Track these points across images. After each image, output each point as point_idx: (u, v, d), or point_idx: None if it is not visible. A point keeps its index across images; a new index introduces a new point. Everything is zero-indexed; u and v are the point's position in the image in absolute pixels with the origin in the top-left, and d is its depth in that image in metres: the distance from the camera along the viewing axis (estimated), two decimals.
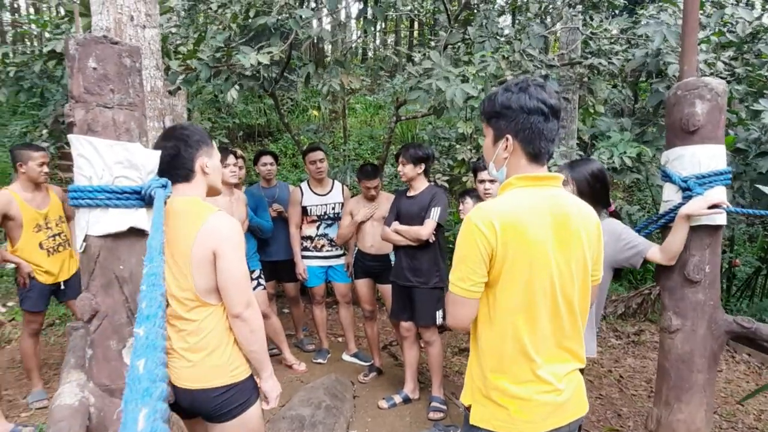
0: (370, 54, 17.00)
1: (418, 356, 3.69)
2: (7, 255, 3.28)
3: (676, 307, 2.13)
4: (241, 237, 1.74)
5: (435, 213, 3.34)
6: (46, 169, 3.41)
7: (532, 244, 1.37)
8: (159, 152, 1.56)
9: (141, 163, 1.47)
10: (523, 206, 1.40)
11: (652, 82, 3.75)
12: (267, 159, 4.40)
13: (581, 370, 1.55)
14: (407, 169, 3.43)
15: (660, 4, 4.12)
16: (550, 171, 1.53)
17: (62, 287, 3.57)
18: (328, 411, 3.24)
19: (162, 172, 1.61)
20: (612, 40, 4.56)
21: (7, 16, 19.09)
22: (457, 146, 5.07)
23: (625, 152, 3.30)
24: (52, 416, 1.35)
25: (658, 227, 2.22)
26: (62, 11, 3.85)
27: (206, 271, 1.67)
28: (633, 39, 4.47)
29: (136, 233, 1.48)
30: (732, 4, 3.95)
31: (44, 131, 7.78)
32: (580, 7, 5.17)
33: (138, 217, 1.46)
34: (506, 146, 1.45)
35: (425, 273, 3.39)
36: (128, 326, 1.49)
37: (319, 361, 4.35)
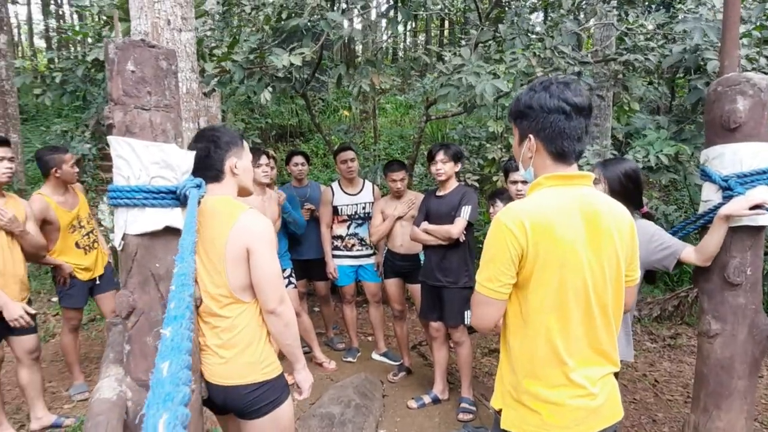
0: (400, 54, 17.02)
1: (448, 356, 3.67)
2: (48, 259, 3.40)
3: (715, 310, 2.06)
4: (272, 234, 1.78)
5: (466, 212, 3.32)
6: (77, 169, 3.52)
7: (563, 244, 1.35)
8: (193, 153, 1.60)
9: (176, 163, 1.51)
10: (553, 206, 1.37)
11: (690, 78, 3.63)
12: (298, 159, 4.46)
13: (615, 374, 1.52)
14: (448, 167, 3.39)
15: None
16: (581, 170, 1.50)
17: (97, 282, 3.69)
18: (358, 410, 3.26)
19: (193, 172, 1.65)
20: (648, 36, 4.44)
21: (52, 23, 19.87)
22: (488, 145, 5.03)
23: (661, 151, 3.21)
24: (91, 410, 1.40)
25: (697, 228, 2.16)
26: (103, 18, 3.99)
27: (240, 269, 1.71)
28: (670, 35, 4.34)
29: (171, 232, 1.52)
30: None
31: (86, 132, 8.08)
32: (614, 3, 5.05)
33: (173, 217, 1.50)
34: (530, 146, 1.44)
35: (455, 272, 3.37)
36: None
37: (349, 359, 4.38)
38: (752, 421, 2.11)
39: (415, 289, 3.91)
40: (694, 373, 2.20)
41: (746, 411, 2.04)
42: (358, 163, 4.30)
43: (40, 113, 11.31)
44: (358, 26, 3.80)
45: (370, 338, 4.85)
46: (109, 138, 1.47)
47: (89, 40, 4.43)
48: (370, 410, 3.36)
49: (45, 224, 3.31)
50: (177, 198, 1.50)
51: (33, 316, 2.94)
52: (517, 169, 2.86)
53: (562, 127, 1.38)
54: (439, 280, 3.42)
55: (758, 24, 3.50)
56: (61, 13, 20.52)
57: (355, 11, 4.08)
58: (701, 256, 2.03)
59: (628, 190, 2.16)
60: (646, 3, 5.29)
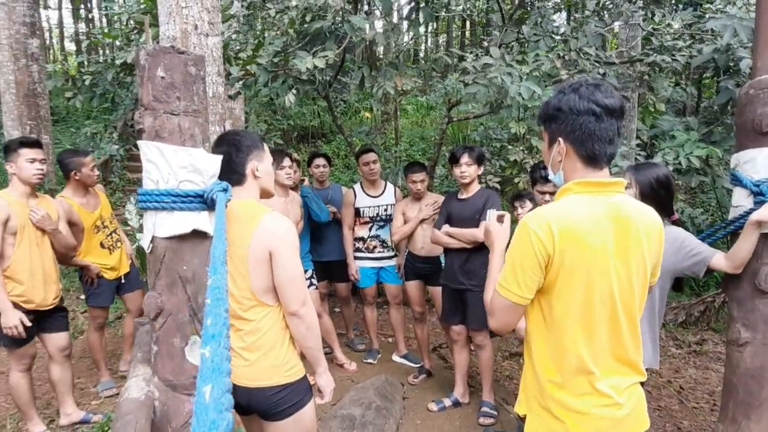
0: (421, 54, 16.98)
1: (469, 360, 3.66)
2: (76, 260, 3.48)
3: (745, 318, 2.02)
4: (295, 236, 1.79)
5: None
6: (96, 171, 3.58)
7: (591, 251, 1.33)
8: (220, 157, 1.62)
9: (204, 167, 1.53)
10: (582, 212, 1.35)
11: (720, 79, 3.55)
12: (320, 161, 4.49)
13: (642, 383, 1.49)
14: (472, 170, 3.37)
15: None
16: (611, 174, 1.47)
17: (122, 281, 3.76)
18: (378, 411, 3.27)
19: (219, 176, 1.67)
20: (675, 36, 4.36)
21: (82, 27, 20.37)
22: (510, 147, 5.00)
23: (691, 153, 3.15)
24: (119, 409, 1.44)
25: (727, 234, 2.11)
26: (132, 23, 4.08)
27: (262, 271, 1.73)
28: (698, 34, 4.24)
29: (198, 235, 1.55)
30: None
31: (114, 134, 8.25)
32: (640, 3, 4.97)
33: (201, 220, 1.53)
34: (559, 149, 1.42)
35: (478, 275, 3.35)
36: (191, 324, 1.56)
37: (370, 361, 4.39)
38: None
39: (436, 291, 3.90)
40: (723, 382, 2.15)
41: None
42: (380, 165, 4.31)
43: (70, 115, 11.61)
44: (380, 30, 3.80)
45: (390, 340, 4.86)
46: (139, 142, 1.50)
47: (117, 43, 4.53)
48: (391, 412, 3.36)
49: (70, 226, 3.38)
50: (204, 201, 1.53)
51: (27, 328, 2.91)
52: (545, 179, 2.85)
53: (592, 129, 1.36)
54: (462, 284, 3.40)
55: None
56: (90, 17, 21.02)
57: (377, 13, 4.10)
58: (732, 263, 1.99)
59: (660, 196, 2.11)
60: (673, 2, 5.19)
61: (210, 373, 0.58)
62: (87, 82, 4.41)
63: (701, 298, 5.41)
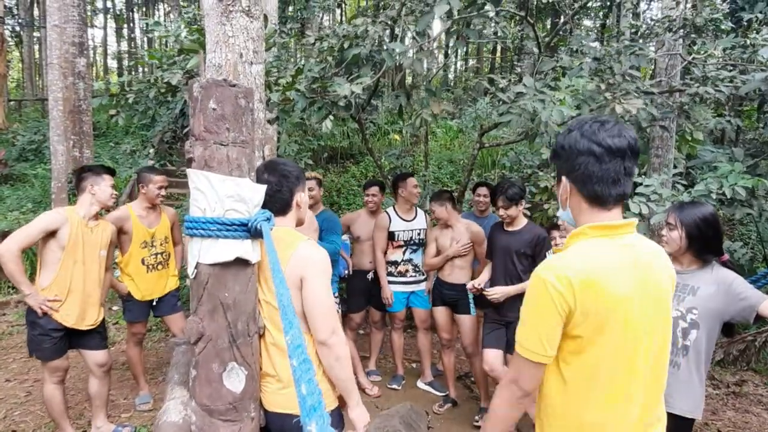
0: (450, 76, 17.06)
1: None
2: (112, 281, 3.57)
3: None
4: (328, 266, 1.79)
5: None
6: (164, 192, 3.68)
7: (615, 302, 1.25)
8: (264, 186, 1.65)
9: (249, 197, 1.56)
10: (602, 260, 1.28)
11: (767, 110, 3.47)
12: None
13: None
14: (511, 211, 3.36)
15: None
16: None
17: (154, 304, 3.80)
18: None
19: (263, 204, 1.70)
20: (718, 66, 4.28)
21: (123, 46, 21.23)
22: (540, 173, 4.95)
23: (736, 183, 3.06)
24: (159, 431, 1.45)
25: None
26: (173, 45, 4.23)
27: (295, 296, 1.73)
28: (741, 64, 4.16)
29: (241, 263, 1.56)
30: None
31: (151, 150, 8.50)
32: (681, 32, 4.91)
33: (244, 248, 1.55)
34: (564, 187, 1.39)
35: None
36: (229, 351, 1.57)
37: (394, 387, 4.33)
38: None
39: (462, 319, 3.85)
40: None
41: None
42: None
43: (109, 130, 12.02)
44: (418, 56, 3.85)
45: (414, 365, 4.79)
46: (188, 171, 1.54)
47: (155, 63, 4.71)
48: None
49: (121, 233, 3.51)
50: (248, 230, 1.55)
51: (60, 343, 3.03)
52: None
53: (591, 170, 1.30)
54: (506, 316, 3.38)
55: None
56: (132, 36, 21.91)
57: (408, 40, 4.14)
58: None
59: (707, 237, 2.04)
60: (715, 32, 5.12)
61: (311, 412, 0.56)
62: (130, 100, 4.57)
63: (741, 337, 5.18)
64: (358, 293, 4.42)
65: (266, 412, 1.75)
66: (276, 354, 1.75)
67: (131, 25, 21.82)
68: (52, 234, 2.93)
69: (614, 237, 1.32)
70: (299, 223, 1.95)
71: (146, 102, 4.70)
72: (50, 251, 2.96)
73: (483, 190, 4.38)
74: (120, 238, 3.54)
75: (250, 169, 1.60)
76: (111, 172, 3.22)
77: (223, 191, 1.51)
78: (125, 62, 21.65)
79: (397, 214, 4.27)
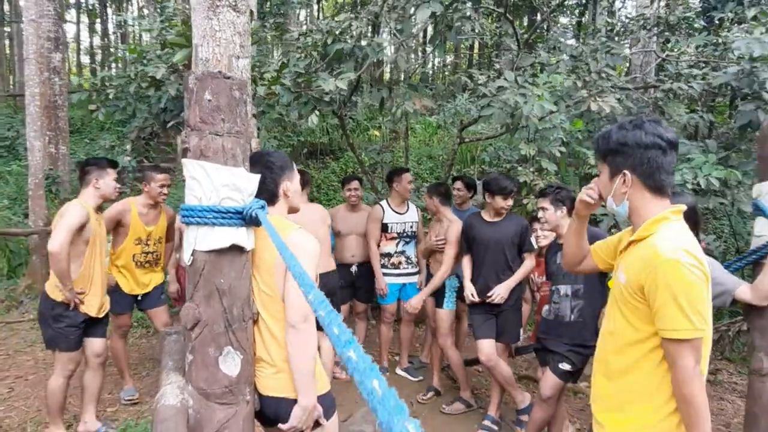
0: (428, 72, 17.13)
1: (511, 374, 3.57)
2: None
3: None
4: (316, 254, 1.82)
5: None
6: (165, 190, 3.70)
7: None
8: (258, 176, 1.68)
9: (243, 186, 1.59)
10: (694, 240, 1.44)
11: (738, 103, 3.61)
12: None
13: None
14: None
15: (748, 26, 3.98)
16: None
17: (139, 298, 3.80)
18: None
19: None
20: (691, 63, 4.43)
21: (96, 41, 20.78)
22: (519, 168, 5.06)
23: (710, 174, 3.19)
24: (158, 414, 1.47)
25: (749, 263, 2.14)
26: (153, 40, 4.19)
27: (281, 282, 1.76)
28: (714, 61, 4.31)
29: (236, 250, 1.60)
30: None
31: (128, 146, 8.37)
32: (655, 30, 5.06)
33: (239, 235, 1.58)
34: (624, 181, 1.49)
35: (513, 295, 3.52)
36: (225, 335, 1.60)
37: None
38: None
39: (438, 313, 3.94)
40: (745, 412, 2.16)
41: None
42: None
43: (84, 126, 11.78)
44: (400, 53, 3.90)
45: (396, 358, 4.86)
46: (184, 161, 1.56)
47: (132, 57, 4.66)
48: None
49: (118, 225, 3.56)
50: (243, 218, 1.58)
51: (78, 334, 3.11)
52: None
53: (660, 162, 1.45)
54: (497, 306, 3.48)
55: None
56: (105, 31, 21.45)
57: (387, 35, 4.19)
58: (757, 294, 2.00)
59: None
60: (688, 30, 5.28)
61: (370, 371, 0.59)
62: (111, 96, 4.51)
63: (715, 327, 5.37)
64: (342, 286, 4.47)
65: (260, 396, 1.78)
66: (270, 340, 1.78)
67: (104, 18, 21.33)
68: (79, 229, 3.00)
69: (681, 221, 1.48)
70: (292, 210, 1.98)
71: (127, 97, 4.64)
72: (75, 246, 3.00)
73: (458, 184, 4.47)
74: (116, 230, 3.58)
75: (244, 159, 1.64)
76: (114, 165, 3.26)
77: (218, 180, 1.54)
78: (98, 58, 21.19)
79: (391, 207, 4.35)
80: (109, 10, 21.39)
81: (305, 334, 1.71)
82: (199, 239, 1.55)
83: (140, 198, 3.71)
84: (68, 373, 3.10)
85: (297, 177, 2.00)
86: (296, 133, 10.71)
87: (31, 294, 6.14)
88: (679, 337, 1.36)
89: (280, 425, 1.76)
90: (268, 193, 1.86)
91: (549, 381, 2.86)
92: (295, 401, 1.74)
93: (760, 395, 2.03)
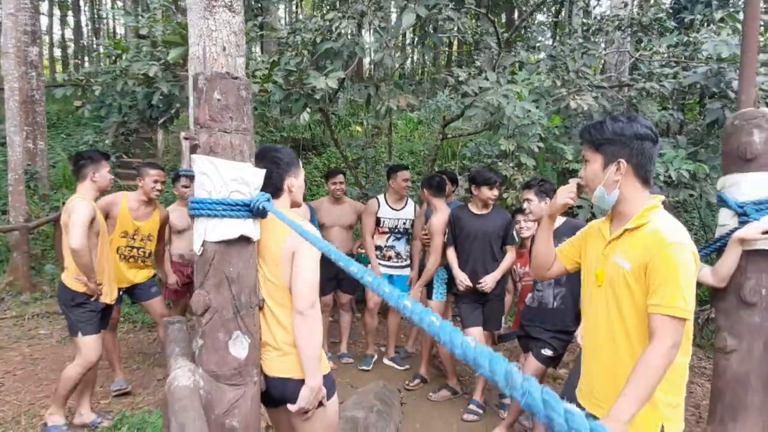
0: (407, 69, 17.22)
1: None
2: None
3: (731, 328, 2.20)
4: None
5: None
6: (159, 186, 3.70)
7: None
8: (263, 171, 1.78)
9: (250, 180, 1.69)
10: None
11: (706, 101, 3.82)
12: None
13: None
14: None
15: (715, 27, 4.19)
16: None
17: (122, 293, 3.76)
18: (380, 415, 3.40)
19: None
20: (663, 63, 4.64)
21: (68, 34, 20.31)
22: (499, 163, 5.21)
23: (680, 167, 3.39)
24: (173, 395, 1.56)
25: (714, 250, 2.31)
26: (132, 37, 4.19)
27: (286, 271, 1.86)
28: (683, 61, 4.52)
29: (244, 240, 1.69)
30: None
31: (107, 141, 8.30)
32: (629, 30, 5.26)
33: (247, 227, 1.68)
34: (618, 169, 1.57)
35: (499, 285, 3.69)
36: (234, 321, 1.70)
37: (364, 368, 4.51)
38: None
39: (429, 303, 4.13)
40: (711, 387, 2.33)
41: (761, 424, 2.16)
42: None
43: (60, 121, 11.58)
44: (387, 52, 4.00)
45: (383, 348, 4.98)
46: (194, 156, 1.65)
47: (103, 50, 4.66)
48: (391, 416, 3.49)
49: (106, 218, 3.57)
50: (250, 210, 1.68)
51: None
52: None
53: (651, 153, 1.57)
54: (485, 295, 3.65)
55: None
56: (78, 24, 20.99)
57: (366, 32, 4.27)
58: (716, 277, 2.18)
59: None
60: (660, 30, 5.50)
61: (425, 312, 0.66)
62: (96, 92, 4.51)
63: None
64: (326, 278, 4.56)
65: (266, 378, 1.88)
66: (275, 325, 1.88)
67: (77, 9, 20.86)
68: (89, 223, 3.08)
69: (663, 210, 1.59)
70: (295, 204, 2.08)
71: (113, 94, 4.64)
72: (88, 240, 3.07)
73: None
74: (107, 222, 3.59)
75: (251, 154, 1.73)
76: (107, 157, 3.32)
77: (227, 175, 1.63)
78: (69, 51, 20.74)
79: (387, 203, 4.48)
80: (81, 2, 20.94)
81: (312, 320, 1.82)
82: (209, 230, 1.64)
83: (135, 193, 3.75)
84: (87, 364, 3.14)
85: (302, 174, 2.09)
86: (278, 129, 10.72)
87: (13, 291, 6.08)
88: (675, 314, 1.43)
89: (288, 406, 1.84)
90: (273, 188, 1.93)
91: (531, 366, 3.03)
92: (300, 381, 1.84)
93: (725, 371, 2.20)
